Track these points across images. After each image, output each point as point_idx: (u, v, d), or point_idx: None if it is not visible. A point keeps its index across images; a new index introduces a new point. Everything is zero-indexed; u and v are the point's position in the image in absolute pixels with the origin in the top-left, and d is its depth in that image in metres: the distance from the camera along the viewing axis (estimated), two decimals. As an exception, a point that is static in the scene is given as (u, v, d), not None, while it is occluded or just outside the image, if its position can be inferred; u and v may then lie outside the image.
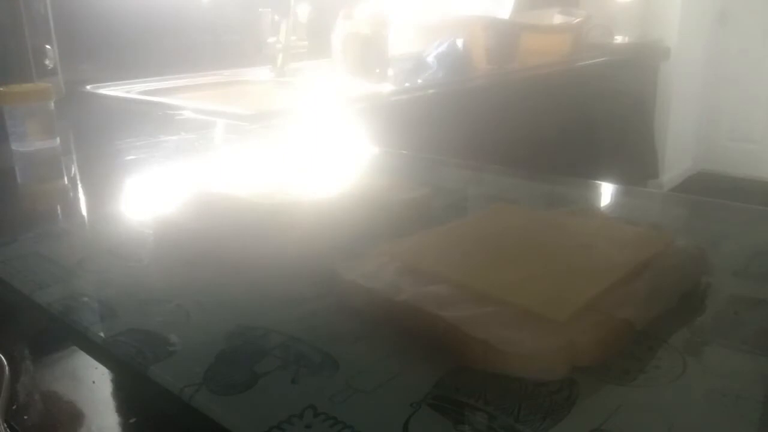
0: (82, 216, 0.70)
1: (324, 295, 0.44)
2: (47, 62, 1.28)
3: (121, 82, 1.42)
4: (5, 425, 0.33)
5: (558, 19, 2.09)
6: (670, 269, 0.43)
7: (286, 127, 1.11)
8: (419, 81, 1.58)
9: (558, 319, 0.36)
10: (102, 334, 0.41)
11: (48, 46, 1.27)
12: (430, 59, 1.63)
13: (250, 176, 0.68)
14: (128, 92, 1.36)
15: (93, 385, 0.38)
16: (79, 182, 0.82)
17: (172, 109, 1.18)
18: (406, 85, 1.53)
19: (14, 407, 0.35)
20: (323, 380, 0.35)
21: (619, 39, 2.44)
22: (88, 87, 1.42)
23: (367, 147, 0.94)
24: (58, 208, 0.75)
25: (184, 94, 1.40)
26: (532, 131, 1.58)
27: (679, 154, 2.97)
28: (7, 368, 0.37)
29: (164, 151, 0.98)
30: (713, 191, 2.65)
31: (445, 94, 1.48)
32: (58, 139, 0.91)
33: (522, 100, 1.62)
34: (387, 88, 1.49)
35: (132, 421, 0.35)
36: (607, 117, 2.00)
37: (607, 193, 0.72)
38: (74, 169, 0.88)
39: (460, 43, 1.64)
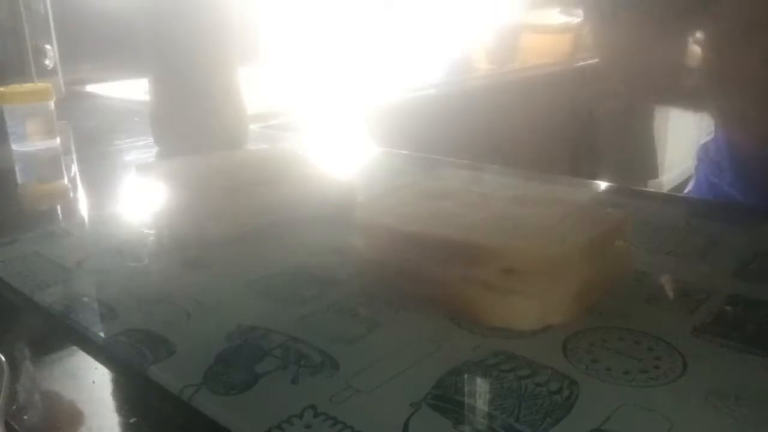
0: (82, 216, 0.70)
1: (324, 295, 0.44)
2: (47, 62, 1.28)
3: (121, 82, 1.42)
4: (5, 425, 0.33)
5: (558, 19, 2.09)
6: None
7: (286, 128, 1.11)
8: (420, 81, 1.58)
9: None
10: (102, 334, 0.41)
11: (48, 46, 1.27)
12: (430, 59, 1.63)
13: (249, 176, 0.68)
14: (128, 92, 1.35)
15: (93, 385, 0.38)
16: (79, 182, 0.82)
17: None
18: (407, 85, 1.53)
19: (14, 407, 0.35)
20: (323, 380, 0.35)
21: (619, 39, 2.43)
22: (88, 87, 1.42)
23: (367, 147, 0.94)
24: (58, 208, 0.75)
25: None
26: (532, 131, 1.58)
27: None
28: (7, 368, 0.37)
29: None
30: (713, 191, 2.63)
31: (445, 94, 1.48)
32: (58, 139, 0.91)
33: (522, 100, 1.62)
34: (388, 88, 1.49)
35: (132, 421, 0.35)
36: (607, 117, 2.00)
37: (607, 193, 0.72)
38: (74, 169, 0.88)
39: (460, 43, 1.64)
